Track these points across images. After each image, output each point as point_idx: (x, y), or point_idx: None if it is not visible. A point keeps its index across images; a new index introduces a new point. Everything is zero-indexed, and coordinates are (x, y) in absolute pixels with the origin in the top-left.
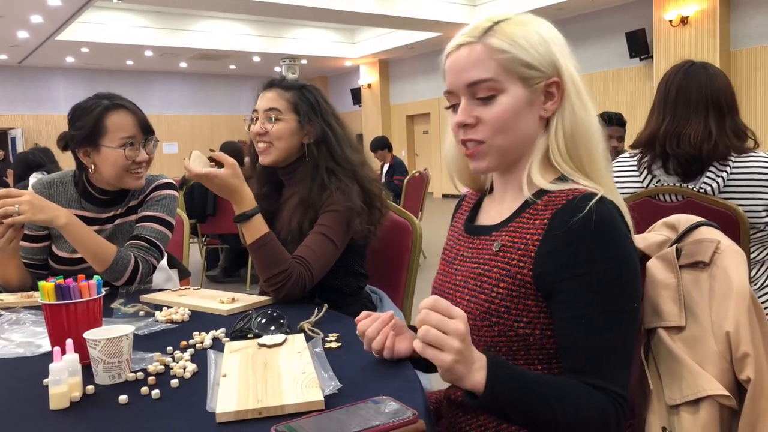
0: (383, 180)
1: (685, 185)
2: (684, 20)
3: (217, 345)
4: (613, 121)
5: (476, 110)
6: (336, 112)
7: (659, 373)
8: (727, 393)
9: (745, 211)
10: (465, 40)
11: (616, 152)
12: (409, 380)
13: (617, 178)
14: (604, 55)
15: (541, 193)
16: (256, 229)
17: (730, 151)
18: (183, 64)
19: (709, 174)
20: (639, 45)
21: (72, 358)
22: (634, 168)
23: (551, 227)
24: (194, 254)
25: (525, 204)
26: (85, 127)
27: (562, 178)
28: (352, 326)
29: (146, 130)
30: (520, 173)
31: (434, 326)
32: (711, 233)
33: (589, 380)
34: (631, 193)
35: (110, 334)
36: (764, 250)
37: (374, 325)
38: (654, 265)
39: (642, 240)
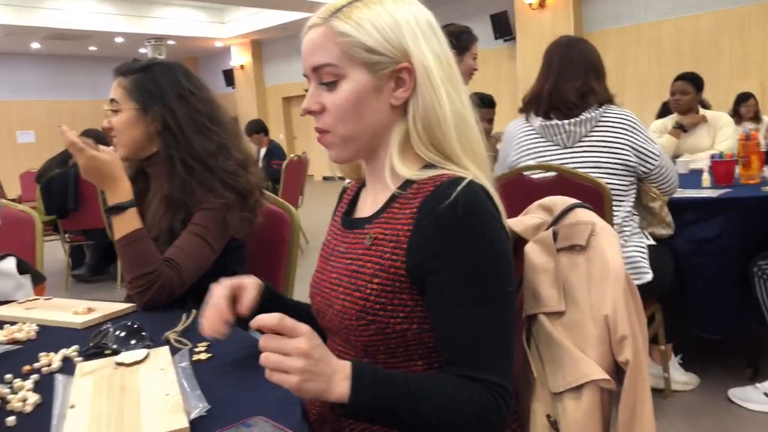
0: (260, 165)
1: (571, 120)
2: (542, 3)
3: (68, 367)
4: (482, 104)
5: (322, 96)
6: (194, 91)
7: (542, 360)
8: (608, 377)
9: (611, 162)
10: (314, 21)
11: (487, 134)
12: (286, 392)
13: (521, 140)
14: None
15: (408, 183)
16: (128, 223)
17: (610, 101)
18: (35, 45)
19: (589, 110)
20: (503, 27)
21: None
22: (527, 124)
23: (420, 215)
24: (57, 253)
25: (394, 195)
26: None
27: (429, 166)
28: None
29: None
30: (382, 163)
31: (274, 351)
32: (586, 215)
33: (467, 372)
34: (535, 150)
35: None
36: (627, 217)
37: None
38: (532, 249)
39: (518, 223)
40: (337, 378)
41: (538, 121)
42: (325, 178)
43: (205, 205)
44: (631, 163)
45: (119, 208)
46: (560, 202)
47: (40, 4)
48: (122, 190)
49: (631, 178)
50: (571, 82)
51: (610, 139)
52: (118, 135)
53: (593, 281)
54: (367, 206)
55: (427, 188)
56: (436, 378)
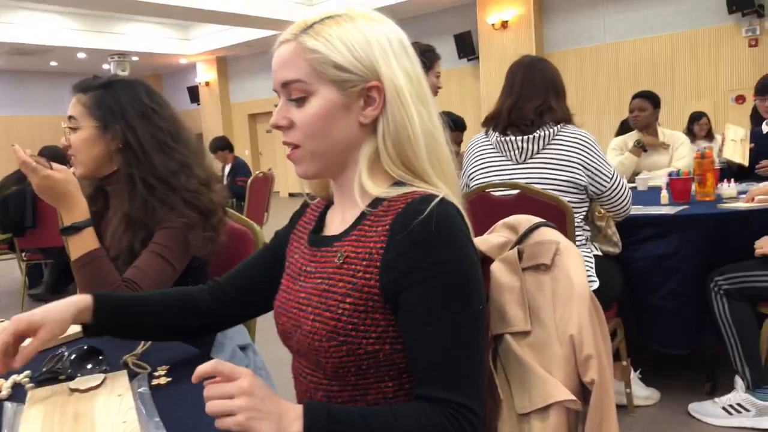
0: (225, 182)
1: (524, 137)
2: (504, 24)
3: (19, 393)
4: (454, 125)
5: (291, 111)
6: (156, 108)
7: (508, 381)
8: (574, 398)
9: (561, 180)
10: (285, 37)
11: (456, 155)
12: None
13: (478, 155)
14: None
15: (378, 201)
16: (84, 243)
17: (567, 120)
18: None
19: (544, 127)
20: (466, 46)
21: None
22: (485, 138)
23: (393, 232)
24: (13, 272)
25: (363, 213)
26: None
27: (398, 183)
28: (186, 357)
29: None
30: (352, 182)
31: (217, 397)
32: (550, 234)
33: (434, 393)
34: (490, 164)
35: None
36: (577, 229)
37: None
38: (497, 268)
39: (483, 242)
40: (288, 418)
41: (495, 137)
42: (291, 195)
43: (166, 224)
44: (582, 182)
45: (75, 228)
46: (524, 220)
47: (1, 19)
48: (78, 210)
49: (582, 196)
50: (531, 101)
51: (561, 157)
52: (76, 153)
53: (558, 301)
54: (336, 224)
55: (398, 205)
56: (395, 408)
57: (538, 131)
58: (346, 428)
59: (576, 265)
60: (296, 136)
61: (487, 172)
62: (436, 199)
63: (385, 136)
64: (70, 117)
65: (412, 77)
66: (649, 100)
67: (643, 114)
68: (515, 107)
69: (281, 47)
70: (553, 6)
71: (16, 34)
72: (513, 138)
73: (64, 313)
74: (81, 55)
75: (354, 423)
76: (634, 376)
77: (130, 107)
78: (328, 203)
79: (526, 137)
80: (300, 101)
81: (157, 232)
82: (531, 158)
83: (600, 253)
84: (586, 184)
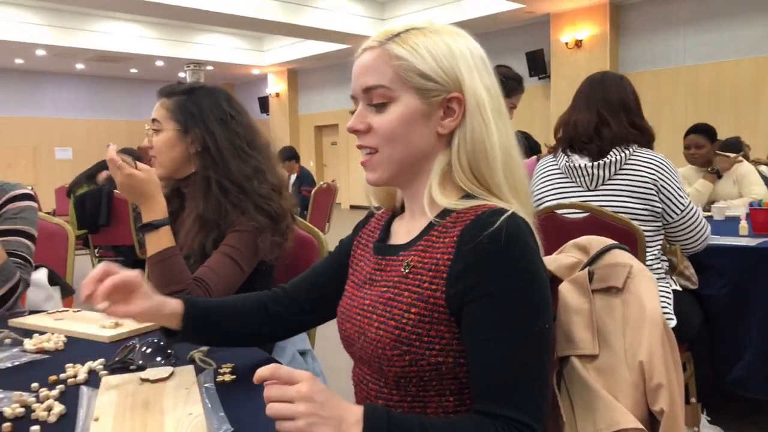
0: (290, 191)
1: (594, 163)
2: (578, 43)
3: (94, 379)
4: (531, 151)
5: (369, 117)
6: (234, 115)
7: (572, 404)
8: (641, 426)
9: (636, 208)
10: (369, 44)
11: None
12: None
13: (546, 179)
14: None
15: (446, 212)
16: (160, 241)
17: (638, 141)
18: (80, 66)
19: (614, 151)
20: (538, 65)
21: None
22: (553, 162)
23: (461, 243)
24: (86, 267)
25: (431, 224)
26: None
27: (468, 196)
28: (250, 356)
29: None
30: (422, 191)
31: (277, 400)
32: (623, 257)
33: (493, 408)
34: (558, 190)
35: None
36: (655, 261)
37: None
38: (566, 289)
39: (552, 262)
40: (349, 422)
41: (563, 161)
42: (353, 207)
43: (238, 227)
44: (657, 209)
45: (153, 226)
46: (596, 242)
47: (87, 27)
48: (157, 208)
49: (658, 224)
50: (585, 115)
51: (635, 183)
52: (157, 154)
53: (629, 325)
54: (402, 233)
55: (467, 217)
56: (454, 420)
57: (608, 156)
58: None
59: (649, 290)
60: (374, 140)
61: (555, 198)
62: (507, 213)
63: (459, 148)
64: (153, 120)
65: (492, 92)
66: (705, 134)
67: (700, 152)
68: (570, 123)
69: (364, 54)
70: (630, 25)
71: (100, 41)
72: (582, 164)
73: (161, 306)
74: (159, 63)
75: (413, 431)
76: (703, 419)
77: (210, 113)
78: (394, 213)
79: (596, 163)
80: (381, 107)
81: (229, 234)
82: (603, 185)
83: (679, 288)
84: (661, 210)
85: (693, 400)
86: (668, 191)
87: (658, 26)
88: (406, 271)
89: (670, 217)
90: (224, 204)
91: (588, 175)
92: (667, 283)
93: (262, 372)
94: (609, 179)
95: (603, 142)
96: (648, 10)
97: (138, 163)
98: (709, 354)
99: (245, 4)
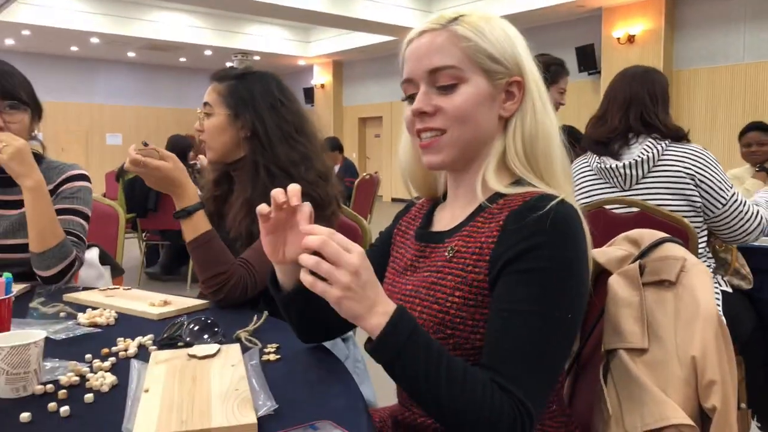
0: None
1: (625, 163)
2: (631, 39)
3: (143, 354)
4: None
5: (435, 99)
6: (284, 102)
7: (619, 398)
8: (692, 423)
9: (674, 204)
10: (429, 26)
11: None
12: (353, 399)
13: (579, 180)
14: None
15: (496, 196)
16: (196, 226)
17: (671, 136)
18: (131, 54)
19: (645, 148)
20: (588, 60)
21: None
22: (585, 162)
23: (506, 226)
24: (133, 250)
25: (479, 208)
26: None
27: (518, 182)
28: (293, 337)
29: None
30: (474, 175)
31: (329, 257)
32: (676, 250)
33: (496, 378)
34: (592, 191)
35: (15, 341)
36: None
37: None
38: (616, 282)
39: (602, 254)
40: (378, 310)
41: (594, 161)
42: (394, 200)
43: None
44: (697, 203)
45: (186, 212)
46: (648, 235)
47: (139, 16)
48: (188, 195)
49: (699, 220)
50: (614, 112)
51: (672, 179)
52: (208, 138)
53: (681, 320)
54: (446, 221)
55: (514, 203)
56: (469, 368)
57: (640, 155)
58: (419, 353)
59: (703, 285)
60: (442, 122)
61: (590, 200)
62: (558, 198)
63: (515, 132)
64: (205, 104)
65: (539, 80)
66: (766, 131)
67: (763, 149)
68: (598, 121)
69: (424, 36)
70: (686, 21)
71: (152, 30)
72: (614, 165)
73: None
74: (208, 53)
75: (429, 351)
76: (753, 425)
77: (260, 98)
78: (435, 202)
79: (626, 163)
80: (449, 88)
81: None
82: (637, 183)
83: (729, 289)
84: (701, 203)
85: (743, 405)
86: (708, 184)
87: (717, 22)
88: (450, 255)
89: (711, 211)
90: (271, 188)
91: (620, 175)
92: (716, 282)
93: (319, 229)
94: (643, 177)
95: (612, 142)
96: (706, 5)
97: (160, 150)
98: (762, 360)
99: None
